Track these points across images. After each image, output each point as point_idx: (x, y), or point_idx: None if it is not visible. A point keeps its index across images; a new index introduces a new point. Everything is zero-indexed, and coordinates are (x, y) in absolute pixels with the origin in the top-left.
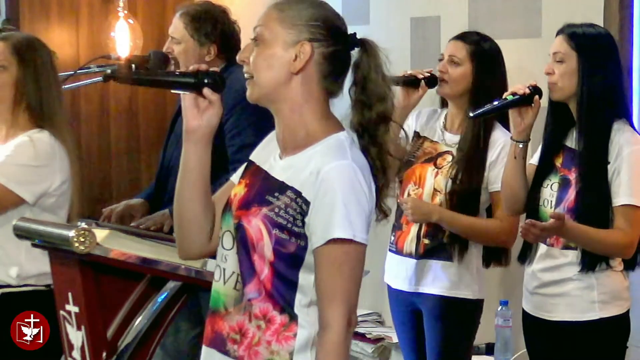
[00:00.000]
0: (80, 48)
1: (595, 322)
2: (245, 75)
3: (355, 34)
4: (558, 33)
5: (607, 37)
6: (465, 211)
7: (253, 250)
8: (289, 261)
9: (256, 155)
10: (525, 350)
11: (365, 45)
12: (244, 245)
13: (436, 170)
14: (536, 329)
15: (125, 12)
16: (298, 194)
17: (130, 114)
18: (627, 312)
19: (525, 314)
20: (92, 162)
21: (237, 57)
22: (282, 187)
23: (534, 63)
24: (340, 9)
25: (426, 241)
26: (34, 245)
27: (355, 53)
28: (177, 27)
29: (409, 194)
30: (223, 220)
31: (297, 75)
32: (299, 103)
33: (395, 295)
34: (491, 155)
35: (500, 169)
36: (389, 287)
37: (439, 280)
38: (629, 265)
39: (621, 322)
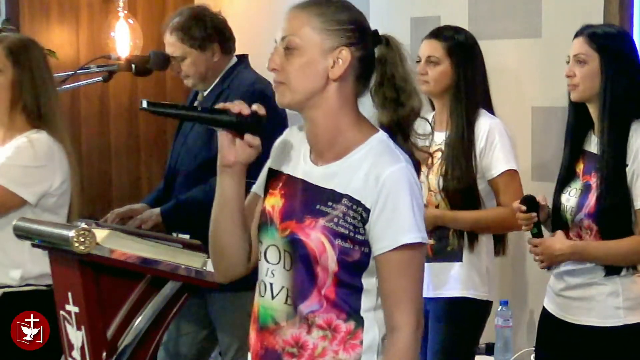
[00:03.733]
0: (80, 48)
1: (619, 328)
2: (274, 82)
3: (377, 30)
4: (577, 35)
5: (627, 37)
6: (465, 205)
7: (316, 263)
8: (352, 269)
9: (276, 163)
10: (526, 350)
11: (389, 41)
12: (304, 259)
13: (427, 170)
14: (558, 331)
15: (125, 12)
16: (355, 201)
17: (130, 114)
18: None
19: (547, 314)
20: (92, 162)
21: (268, 65)
22: (335, 196)
23: (534, 63)
24: None
25: (431, 241)
26: (34, 245)
27: (377, 50)
28: (174, 45)
29: None
30: (264, 235)
31: (335, 82)
32: (334, 109)
33: None
34: (479, 143)
35: (492, 155)
36: None
37: (451, 282)
38: None
39: None
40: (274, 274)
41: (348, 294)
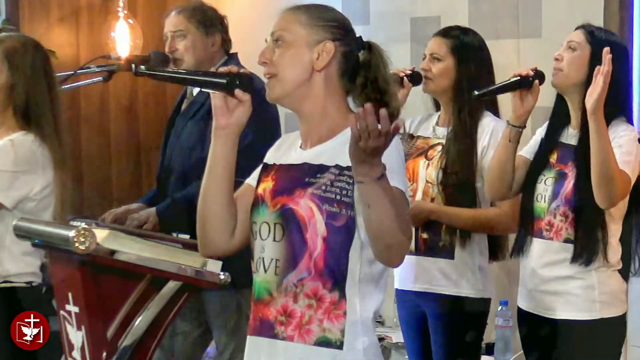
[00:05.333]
0: (80, 48)
1: (595, 322)
2: (266, 75)
3: (361, 37)
4: (577, 28)
5: (623, 45)
6: (461, 202)
7: (305, 229)
8: (340, 235)
9: (271, 158)
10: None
11: (372, 47)
12: (295, 226)
13: (427, 162)
14: (533, 327)
15: (125, 12)
16: (344, 168)
17: (130, 114)
18: (625, 315)
19: (522, 312)
20: (92, 162)
21: (258, 59)
22: (322, 168)
23: (534, 63)
24: (340, 9)
25: (425, 235)
26: (34, 245)
27: (361, 55)
28: (179, 22)
29: None
30: (256, 215)
31: (320, 73)
32: (321, 99)
33: (401, 296)
34: (482, 142)
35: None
36: (396, 290)
37: (441, 279)
38: (626, 270)
39: (618, 324)
40: (264, 249)
41: (335, 264)
